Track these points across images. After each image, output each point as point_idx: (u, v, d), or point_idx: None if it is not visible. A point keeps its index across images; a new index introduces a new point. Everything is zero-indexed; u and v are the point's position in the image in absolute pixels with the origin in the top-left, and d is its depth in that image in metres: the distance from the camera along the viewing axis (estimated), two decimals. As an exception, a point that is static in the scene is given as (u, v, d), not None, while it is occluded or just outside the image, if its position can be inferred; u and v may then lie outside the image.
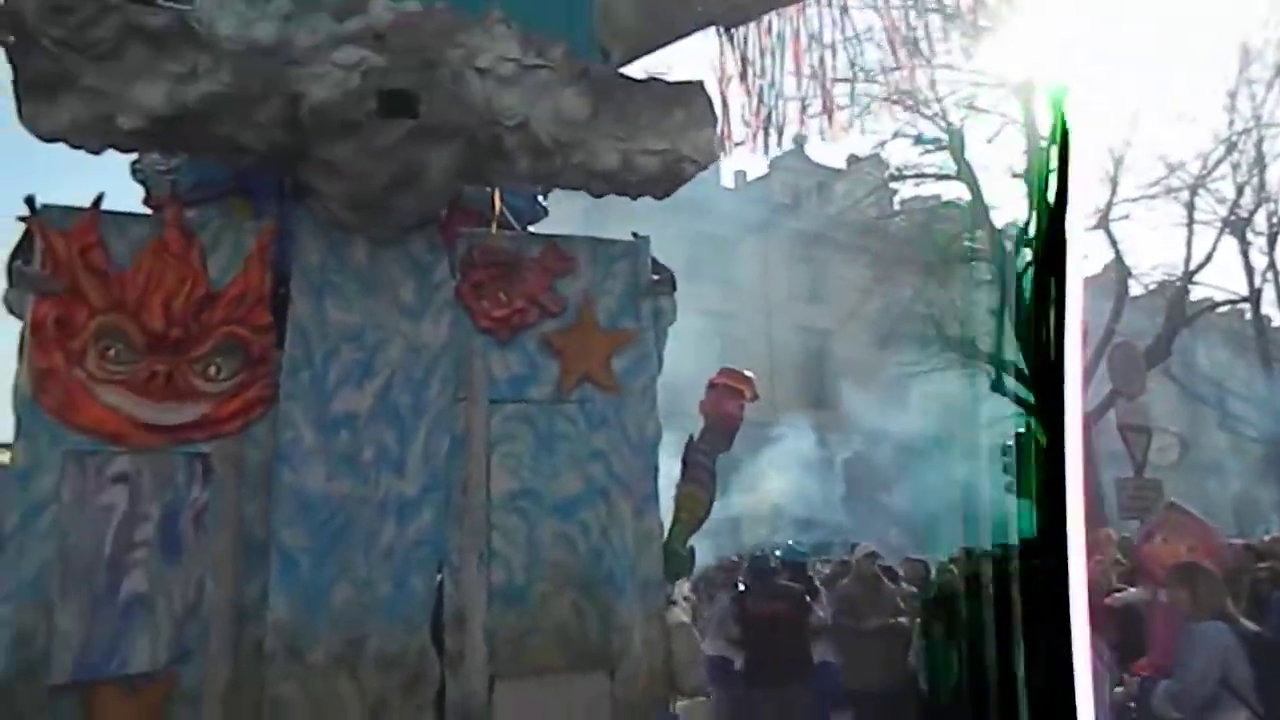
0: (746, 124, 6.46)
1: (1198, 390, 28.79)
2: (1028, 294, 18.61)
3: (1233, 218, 23.13)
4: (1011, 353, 18.91)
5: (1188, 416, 29.80)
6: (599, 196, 5.90)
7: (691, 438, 6.92)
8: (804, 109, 6.57)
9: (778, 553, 9.80)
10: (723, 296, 23.47)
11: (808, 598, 9.54)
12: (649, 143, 5.52)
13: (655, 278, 6.76)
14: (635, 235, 6.85)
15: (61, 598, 4.83)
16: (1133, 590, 8.10)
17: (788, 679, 7.69)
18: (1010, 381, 19.28)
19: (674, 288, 6.78)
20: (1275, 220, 25.88)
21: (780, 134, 6.79)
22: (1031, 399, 18.70)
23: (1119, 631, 7.71)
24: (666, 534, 6.83)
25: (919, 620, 9.92)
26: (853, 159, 22.57)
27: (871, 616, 9.99)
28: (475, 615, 5.59)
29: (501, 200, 6.52)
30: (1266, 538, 14.02)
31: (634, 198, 5.89)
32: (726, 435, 7.22)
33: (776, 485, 19.78)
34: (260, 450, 5.44)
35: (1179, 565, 5.43)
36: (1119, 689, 5.02)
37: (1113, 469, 15.53)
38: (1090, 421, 17.95)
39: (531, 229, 7.21)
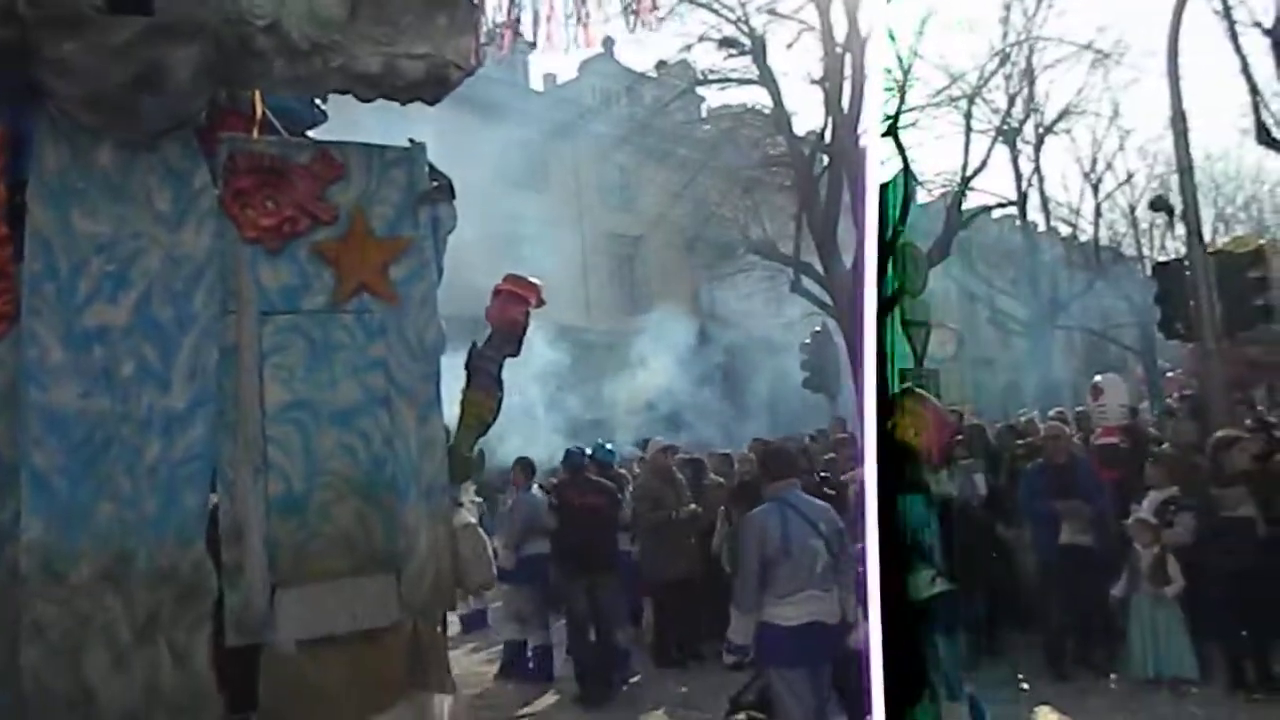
0: (498, 27, 6.45)
1: (972, 288, 31.37)
2: (823, 199, 19.56)
3: (1005, 127, 25.06)
4: (809, 255, 19.89)
5: (963, 314, 32.42)
6: (366, 101, 5.78)
7: (474, 344, 7.04)
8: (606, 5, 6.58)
9: (588, 451, 10.15)
10: (534, 202, 23.37)
11: (618, 494, 9.99)
12: (412, 47, 5.44)
13: (433, 184, 6.77)
14: (411, 141, 6.78)
15: None
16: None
17: (597, 568, 8.10)
18: (808, 283, 20.33)
19: (452, 195, 6.76)
20: (1041, 130, 28.32)
21: (584, 31, 6.78)
22: (829, 299, 19.86)
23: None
24: (453, 438, 7.04)
25: (723, 508, 10.57)
26: (661, 64, 22.69)
27: (667, 508, 10.49)
28: (253, 527, 5.60)
29: (264, 104, 6.27)
30: (1023, 419, 15.66)
31: (403, 103, 5.81)
32: (512, 340, 7.37)
33: (609, 388, 20.18)
34: (4, 369, 5.18)
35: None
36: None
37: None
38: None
39: (312, 134, 6.99)
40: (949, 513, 5.22)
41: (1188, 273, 12.01)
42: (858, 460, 9.29)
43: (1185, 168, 12.42)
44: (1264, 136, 14.97)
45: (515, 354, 7.53)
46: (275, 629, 5.55)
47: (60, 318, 5.24)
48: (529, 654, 8.49)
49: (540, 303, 7.47)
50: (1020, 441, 11.53)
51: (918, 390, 7.80)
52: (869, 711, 5.10)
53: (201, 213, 5.70)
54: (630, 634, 8.59)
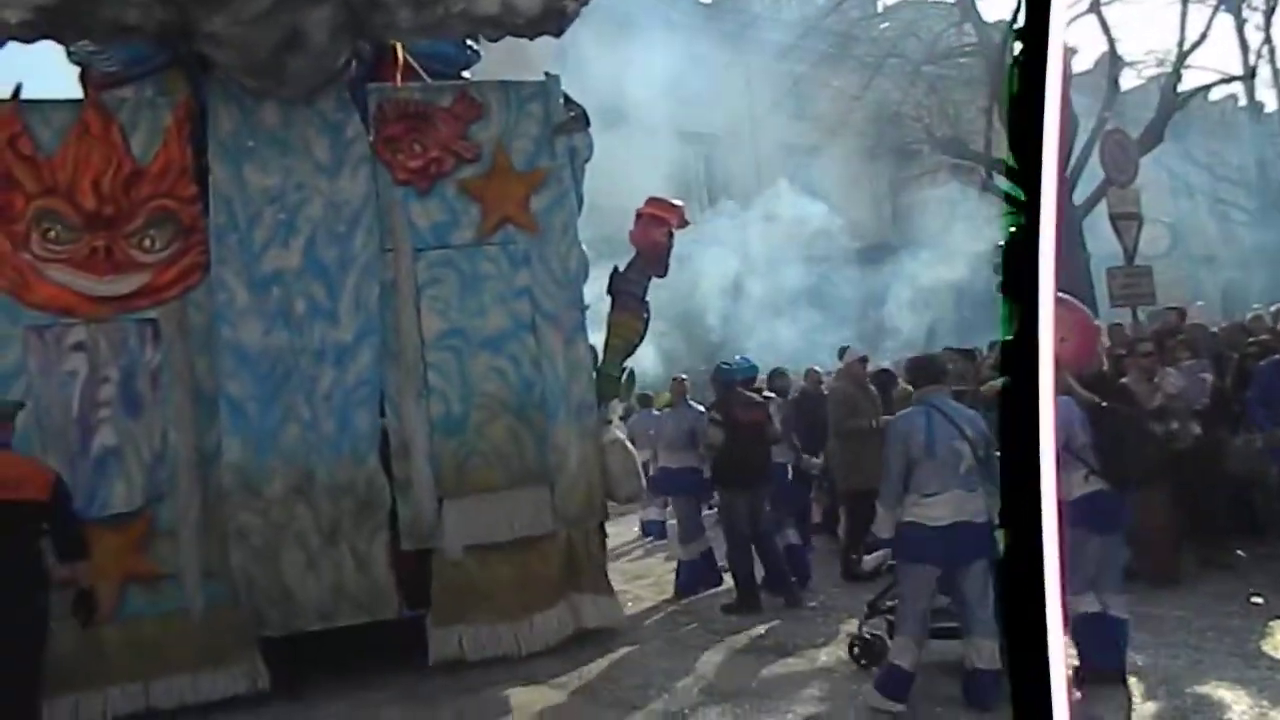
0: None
1: (1190, 178, 28.21)
2: (1016, 89, 18.22)
3: (1231, -4, 22.01)
4: (1003, 151, 18.64)
5: (1180, 206, 29.33)
6: (493, 40, 6.04)
7: (616, 268, 7.29)
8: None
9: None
10: (703, 117, 23.12)
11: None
12: (523, -14, 5.60)
13: (569, 115, 7.00)
14: (546, 75, 7.01)
15: (42, 454, 5.42)
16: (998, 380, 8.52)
17: (757, 481, 8.25)
18: (1001, 180, 19.14)
19: (587, 124, 6.98)
20: (1271, -2, 24.46)
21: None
22: (1022, 196, 18.68)
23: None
24: (601, 359, 7.38)
25: None
26: (828, -41, 21.62)
27: (864, 416, 10.32)
28: (418, 445, 6.19)
29: (408, 52, 6.66)
30: (1249, 317, 14.35)
31: (531, 38, 6.02)
32: (655, 262, 7.56)
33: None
34: (201, 312, 5.93)
35: None
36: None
37: (1110, 260, 15.69)
38: (1083, 211, 17.94)
39: (467, 74, 7.37)
40: (1103, 415, 5.00)
41: None
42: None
43: None
44: None
45: (662, 275, 7.72)
46: (443, 536, 6.16)
47: (243, 264, 5.93)
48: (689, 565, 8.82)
49: (683, 223, 7.61)
50: (1251, 340, 10.67)
51: (1061, 294, 7.41)
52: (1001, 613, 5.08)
53: (356, 160, 6.22)
54: (801, 537, 8.73)
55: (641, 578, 9.13)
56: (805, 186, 19.72)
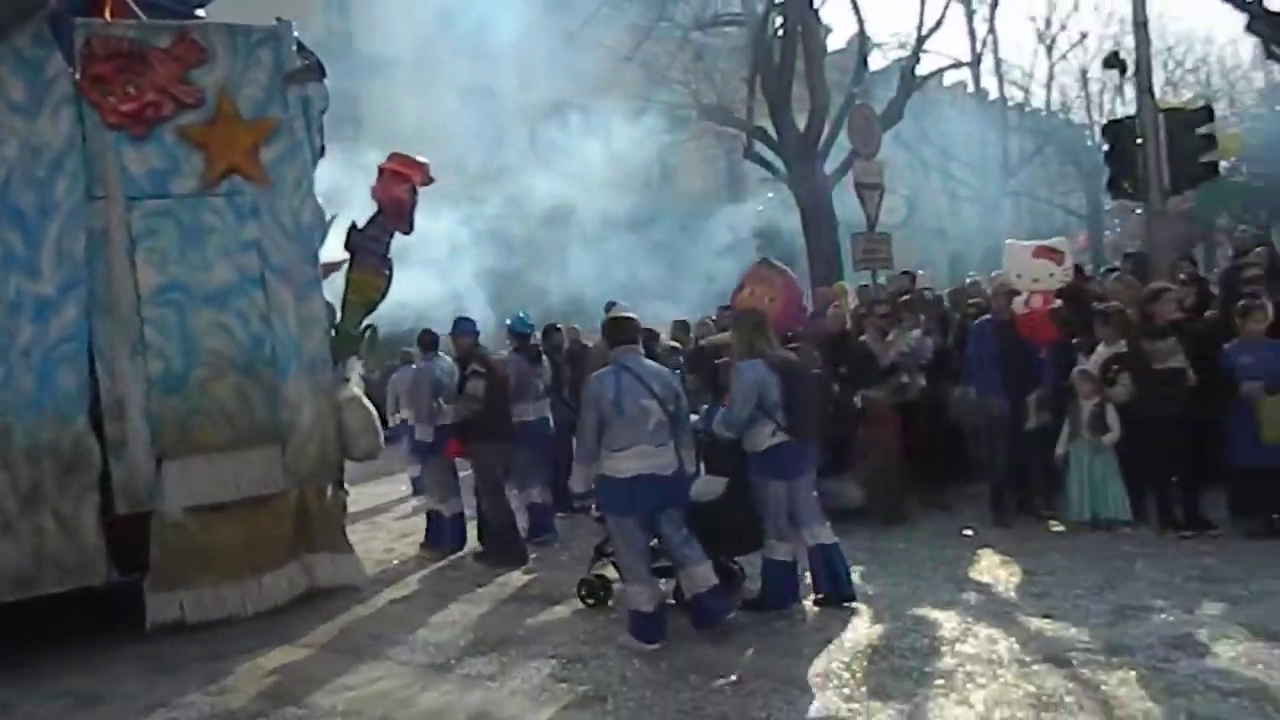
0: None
1: (925, 156, 31.02)
2: (777, 61, 19.20)
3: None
4: (763, 119, 19.63)
5: (916, 181, 32.17)
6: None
7: (354, 224, 7.20)
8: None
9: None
10: (475, 70, 22.93)
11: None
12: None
13: (302, 64, 6.79)
14: (278, 20, 6.76)
15: None
16: (719, 334, 9.13)
17: (510, 435, 8.35)
18: (761, 148, 20.13)
19: (322, 74, 6.81)
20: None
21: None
22: (782, 166, 19.76)
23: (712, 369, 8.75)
24: (340, 316, 7.29)
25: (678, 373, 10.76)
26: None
27: None
28: (133, 403, 5.92)
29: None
30: (969, 283, 15.94)
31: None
32: (398, 218, 7.52)
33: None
34: (-128, 259, 5.39)
35: (738, 314, 6.28)
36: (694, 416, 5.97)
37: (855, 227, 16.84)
38: (833, 181, 19.16)
39: (202, 12, 6.95)
40: (792, 375, 5.52)
41: (1137, 131, 12.02)
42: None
43: (1141, 21, 12.28)
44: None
45: (406, 231, 7.68)
46: (161, 498, 5.95)
47: (-80, 207, 5.41)
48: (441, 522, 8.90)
49: (427, 180, 7.59)
50: (970, 301, 11.82)
51: (770, 260, 7.99)
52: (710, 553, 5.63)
53: (58, 100, 5.77)
54: (548, 493, 9.00)
55: (408, 535, 9.18)
56: (573, 144, 20.02)
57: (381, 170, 7.30)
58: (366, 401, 6.97)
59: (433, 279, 11.13)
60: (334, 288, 7.16)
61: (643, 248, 19.11)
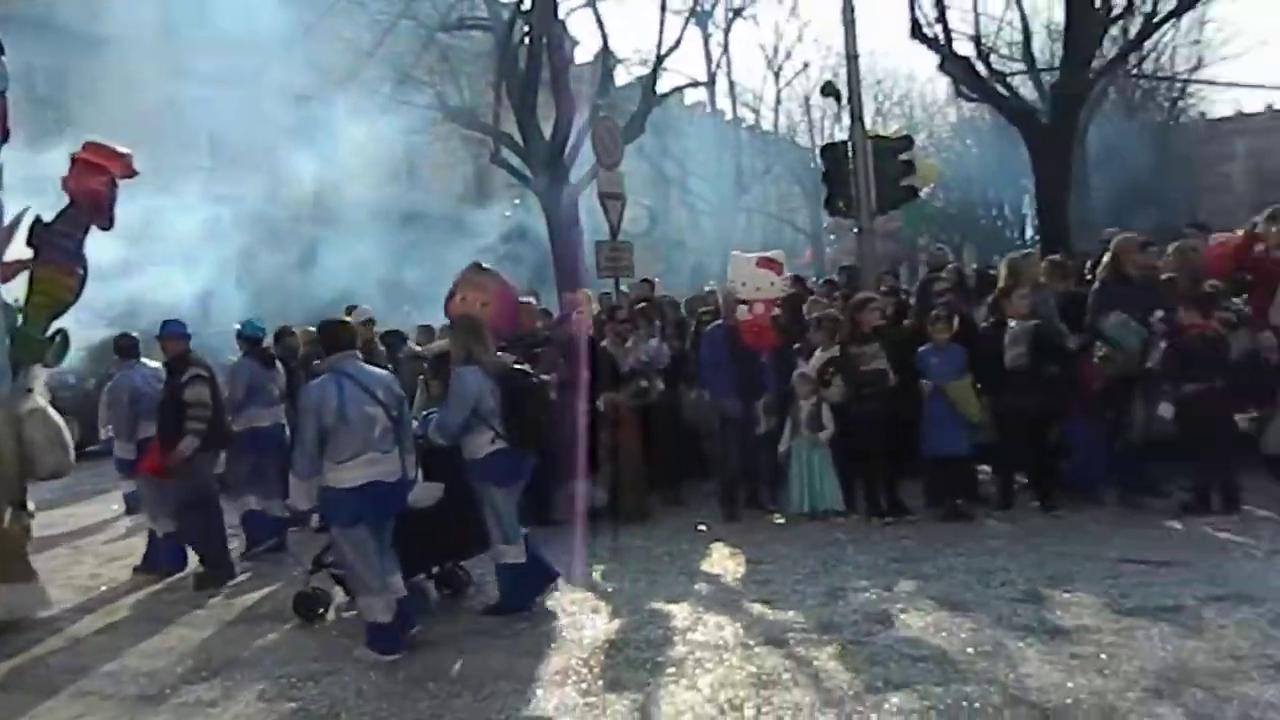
0: None
1: (667, 170, 32.63)
2: (523, 68, 19.32)
3: (698, 8, 25.71)
4: (510, 126, 19.65)
5: (658, 194, 33.72)
6: None
7: (39, 218, 6.44)
8: None
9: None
10: (207, 58, 21.37)
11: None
12: None
13: (-23, 38, 6.04)
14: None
15: None
16: (438, 342, 9.21)
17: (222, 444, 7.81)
18: (508, 154, 20.16)
19: (1, 51, 6.10)
20: (730, 14, 29.41)
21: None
22: (528, 172, 19.87)
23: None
24: (22, 319, 6.49)
25: (421, 378, 10.35)
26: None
27: None
28: None
29: None
30: (707, 292, 16.75)
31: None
32: (95, 212, 6.77)
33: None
34: None
35: (454, 320, 6.28)
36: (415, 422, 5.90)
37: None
38: (578, 190, 19.49)
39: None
40: (513, 384, 5.57)
41: (849, 155, 13.10)
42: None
43: (853, 55, 13.43)
44: (916, 31, 16.16)
45: (105, 227, 6.94)
46: None
47: None
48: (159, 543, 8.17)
49: (129, 173, 6.91)
50: (703, 309, 12.37)
51: (481, 264, 8.08)
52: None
53: None
54: (277, 503, 8.48)
55: (120, 559, 8.29)
56: (319, 137, 19.17)
57: (74, 160, 6.60)
58: (54, 414, 6.27)
59: (180, 277, 10.29)
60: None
61: (394, 249, 18.58)
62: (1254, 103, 50.36)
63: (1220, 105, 53.57)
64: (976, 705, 3.91)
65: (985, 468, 8.01)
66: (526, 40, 20.08)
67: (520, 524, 5.80)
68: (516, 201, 21.22)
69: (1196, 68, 31.14)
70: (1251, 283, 8.25)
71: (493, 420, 5.56)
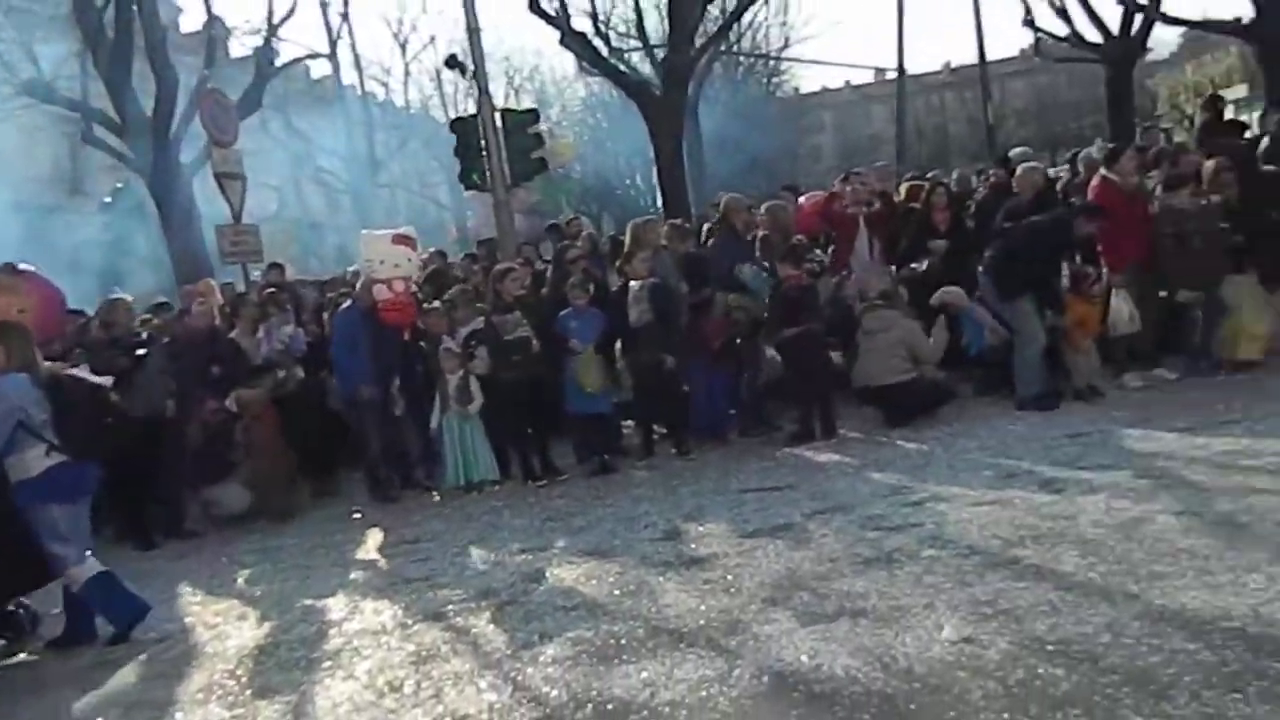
0: None
1: (295, 147, 30.86)
2: (113, 36, 17.17)
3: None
4: (101, 101, 17.43)
5: (286, 173, 31.86)
6: None
7: None
8: None
9: None
10: None
11: None
12: None
13: None
14: None
15: None
16: None
17: None
18: (103, 132, 17.91)
19: None
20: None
21: None
22: (128, 151, 17.76)
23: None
24: None
25: None
26: None
27: None
28: None
29: None
30: (349, 273, 16.03)
31: None
32: None
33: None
34: None
35: None
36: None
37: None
38: (191, 172, 17.77)
39: None
40: (64, 391, 5.03)
41: (479, 128, 13.08)
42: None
43: (474, 29, 13.41)
44: (535, 7, 16.42)
45: None
46: None
47: None
48: None
49: None
50: (340, 291, 11.83)
51: (12, 265, 7.26)
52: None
53: None
54: None
55: None
56: None
57: None
58: None
59: None
60: None
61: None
62: (836, 80, 57.21)
63: (809, 81, 60.38)
64: (623, 641, 4.17)
65: (629, 422, 8.54)
66: (113, 3, 17.91)
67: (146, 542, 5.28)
68: (120, 185, 18.92)
69: (785, 46, 34.82)
70: (834, 236, 9.52)
71: (45, 432, 5.00)
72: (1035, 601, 3.85)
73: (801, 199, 11.19)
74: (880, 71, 39.05)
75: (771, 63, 36.35)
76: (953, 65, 50.70)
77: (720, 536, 5.51)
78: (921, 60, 59.00)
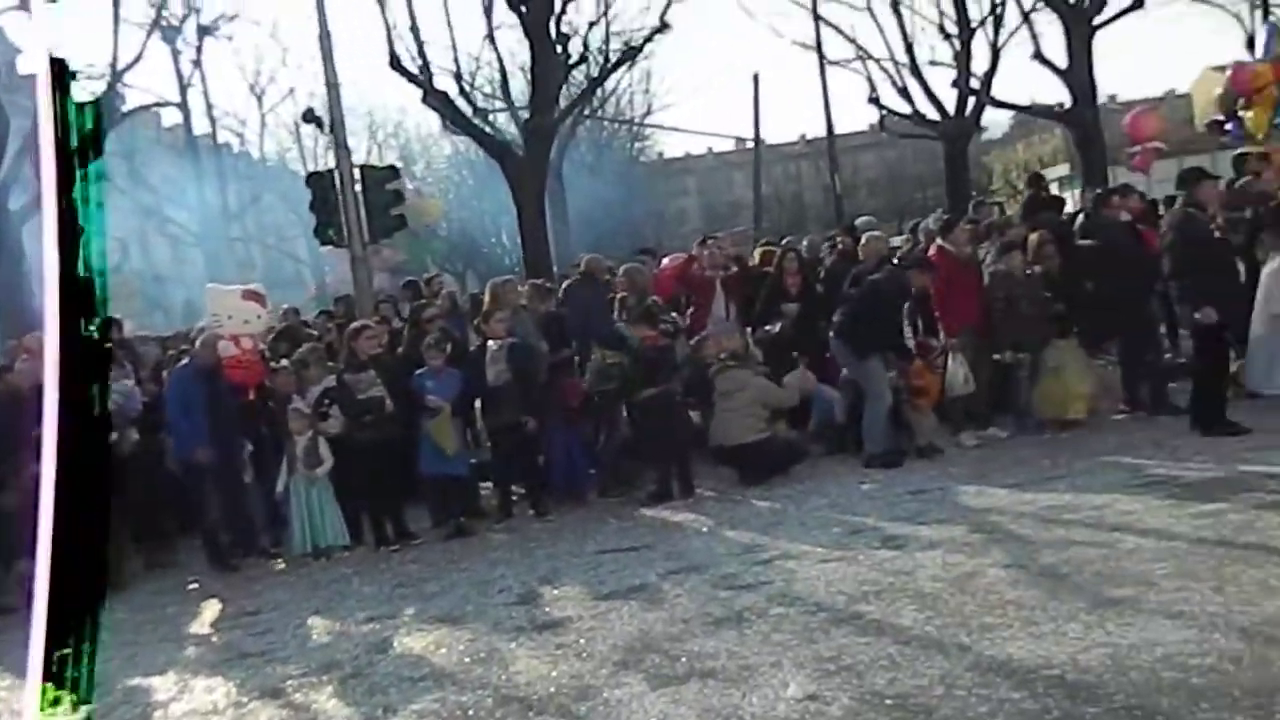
0: None
1: (142, 198, 29.39)
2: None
3: (163, 23, 23.42)
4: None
5: (133, 225, 30.28)
6: None
7: None
8: None
9: None
10: None
11: None
12: None
13: None
14: None
15: None
16: None
17: None
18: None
19: None
20: (200, 32, 27.34)
21: None
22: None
23: None
24: None
25: None
26: None
27: None
28: None
29: None
30: (198, 328, 15.28)
31: None
32: None
33: None
34: None
35: None
36: None
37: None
38: (20, 219, 16.74)
39: None
40: None
41: (337, 183, 12.80)
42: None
43: (333, 83, 13.19)
44: (396, 64, 16.35)
45: None
46: None
47: None
48: None
49: None
50: (181, 348, 11.30)
51: None
52: None
53: None
54: None
55: None
56: None
57: None
58: None
59: None
60: None
61: None
62: (700, 146, 58.97)
63: (674, 147, 62.12)
64: (471, 712, 4.06)
65: (487, 483, 8.39)
66: None
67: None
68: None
69: (648, 113, 35.77)
70: (692, 298, 9.73)
71: None
72: (876, 656, 3.96)
73: (664, 261, 11.44)
74: (741, 140, 40.54)
75: (636, 128, 37.25)
76: (808, 137, 53.10)
77: (575, 599, 5.46)
78: (780, 131, 61.76)
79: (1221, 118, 12.64)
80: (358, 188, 12.75)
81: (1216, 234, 7.50)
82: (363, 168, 13.55)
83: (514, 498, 8.00)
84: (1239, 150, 11.26)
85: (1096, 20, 18.17)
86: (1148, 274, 7.95)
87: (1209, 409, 7.09)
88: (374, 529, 7.61)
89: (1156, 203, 10.52)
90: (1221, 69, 13.52)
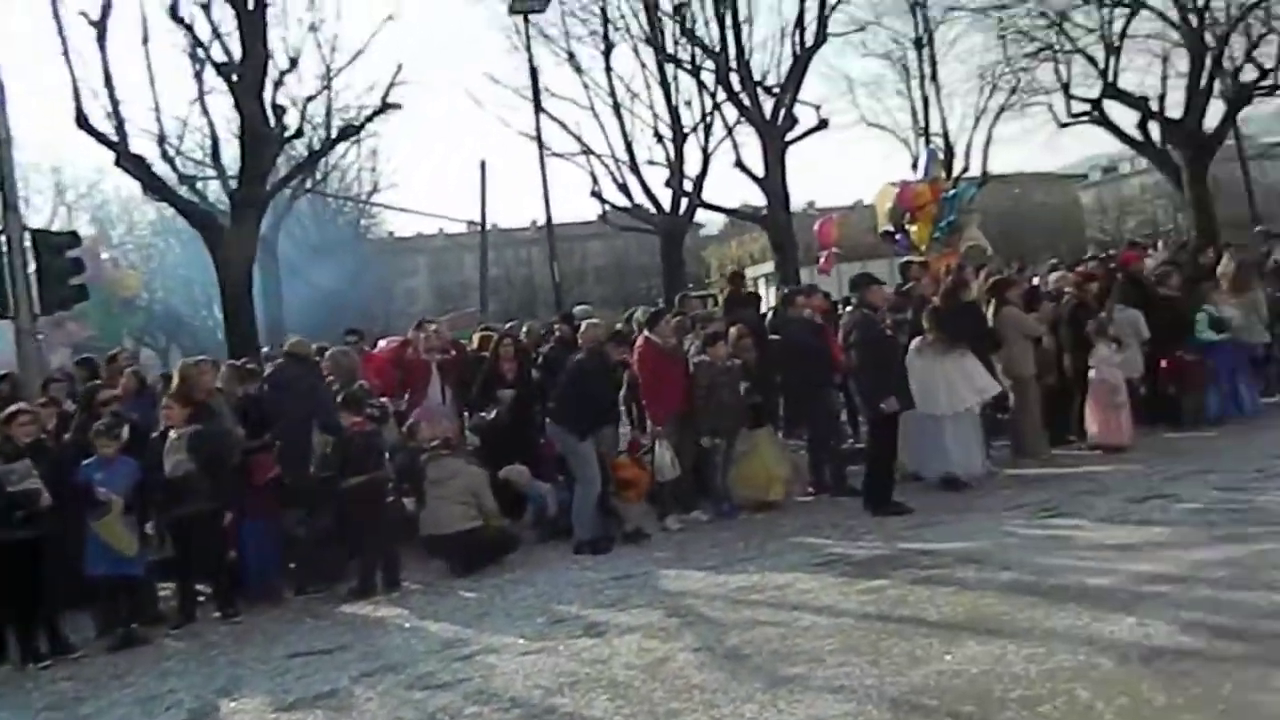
0: None
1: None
2: None
3: None
4: None
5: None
6: None
7: None
8: None
9: None
10: None
11: None
12: None
13: None
14: None
15: None
16: None
17: None
18: None
19: None
20: None
21: None
22: None
23: None
24: None
25: None
26: None
27: None
28: None
29: None
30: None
31: None
32: None
33: None
34: None
35: None
36: None
37: None
38: None
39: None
40: None
41: (6, 247, 11.41)
42: None
43: (5, 139, 11.86)
44: (83, 122, 15.06)
45: None
46: None
47: None
48: None
49: None
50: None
51: None
52: None
53: None
54: None
55: None
56: None
57: None
58: None
59: None
60: None
61: None
62: (431, 227, 58.41)
63: (404, 227, 61.25)
64: None
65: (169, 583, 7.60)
66: None
67: None
68: None
69: (374, 190, 35.11)
70: (408, 382, 9.49)
71: None
72: (565, 752, 3.93)
73: (381, 343, 11.12)
74: (472, 223, 40.75)
75: (363, 205, 36.41)
76: (538, 224, 54.31)
77: (254, 712, 5.03)
78: (512, 216, 62.92)
79: (892, 229, 14.26)
80: (28, 254, 11.49)
81: (888, 332, 8.45)
82: (35, 232, 12.26)
83: (200, 598, 7.31)
84: (904, 259, 12.77)
85: (789, 136, 20.11)
86: (827, 367, 8.78)
87: (879, 491, 7.85)
88: (21, 643, 6.63)
89: (837, 303, 11.66)
90: (896, 184, 15.32)
